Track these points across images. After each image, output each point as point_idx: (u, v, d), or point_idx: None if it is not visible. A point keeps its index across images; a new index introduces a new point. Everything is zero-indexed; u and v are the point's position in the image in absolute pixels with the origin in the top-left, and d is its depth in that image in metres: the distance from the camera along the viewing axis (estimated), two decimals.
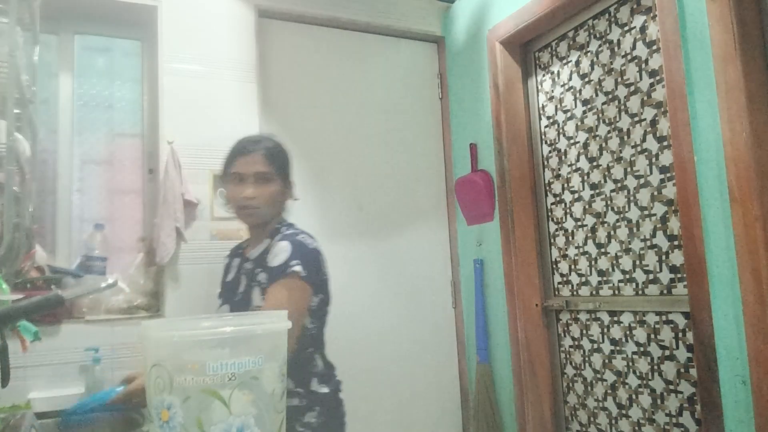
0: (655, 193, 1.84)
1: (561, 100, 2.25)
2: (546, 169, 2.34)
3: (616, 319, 1.98)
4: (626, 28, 1.96)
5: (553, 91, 2.30)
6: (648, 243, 1.86)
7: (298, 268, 1.46)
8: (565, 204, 2.23)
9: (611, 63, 2.02)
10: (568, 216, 2.21)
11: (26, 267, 1.86)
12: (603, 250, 2.04)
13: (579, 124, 2.16)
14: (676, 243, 1.77)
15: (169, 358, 0.73)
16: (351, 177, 2.57)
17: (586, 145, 2.13)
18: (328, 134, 2.55)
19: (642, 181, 1.89)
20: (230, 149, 1.64)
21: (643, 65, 1.89)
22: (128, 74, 2.44)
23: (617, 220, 1.99)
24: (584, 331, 2.12)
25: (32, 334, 1.36)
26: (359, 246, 2.51)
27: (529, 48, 2.43)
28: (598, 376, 2.06)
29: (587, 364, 2.11)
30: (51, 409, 1.79)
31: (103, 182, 2.35)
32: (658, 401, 1.82)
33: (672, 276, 1.78)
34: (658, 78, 1.82)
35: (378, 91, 2.68)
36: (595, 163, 2.09)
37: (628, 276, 1.94)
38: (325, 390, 1.55)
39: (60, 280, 2.02)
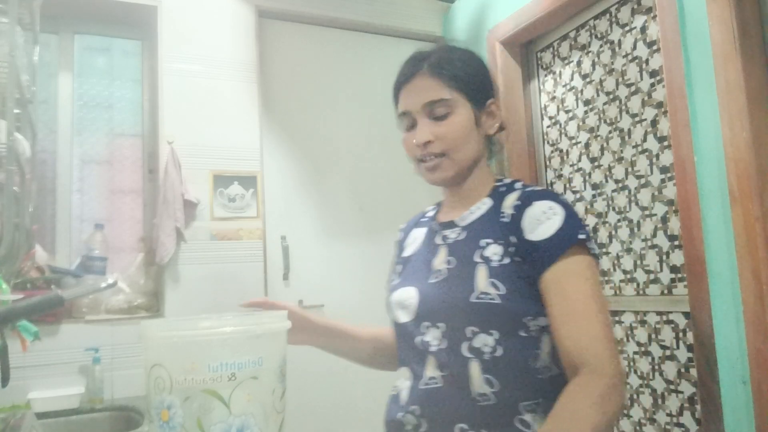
0: (656, 193, 1.84)
1: (563, 101, 2.25)
2: (548, 170, 2.34)
3: (617, 318, 1.98)
4: (627, 29, 1.95)
5: (555, 91, 2.30)
6: (648, 243, 1.86)
7: (584, 237, 0.93)
8: None
9: (612, 63, 2.02)
10: None
11: (26, 267, 1.86)
12: (604, 250, 2.04)
13: (580, 124, 2.16)
14: (676, 243, 1.76)
15: (169, 358, 0.73)
16: (351, 177, 2.57)
17: (587, 146, 2.13)
18: (328, 134, 2.54)
19: (643, 181, 1.89)
20: (396, 77, 1.11)
21: (644, 65, 1.88)
22: (128, 74, 2.44)
23: (618, 220, 1.98)
24: None
25: (32, 334, 1.36)
26: (359, 246, 2.51)
27: (530, 48, 2.42)
28: None
29: None
30: (51, 409, 1.80)
31: (103, 182, 2.35)
32: (659, 401, 1.82)
33: (672, 276, 1.78)
34: (658, 78, 1.82)
35: (378, 91, 2.68)
36: (596, 164, 2.09)
37: (629, 276, 1.94)
38: None
39: (60, 280, 2.02)
